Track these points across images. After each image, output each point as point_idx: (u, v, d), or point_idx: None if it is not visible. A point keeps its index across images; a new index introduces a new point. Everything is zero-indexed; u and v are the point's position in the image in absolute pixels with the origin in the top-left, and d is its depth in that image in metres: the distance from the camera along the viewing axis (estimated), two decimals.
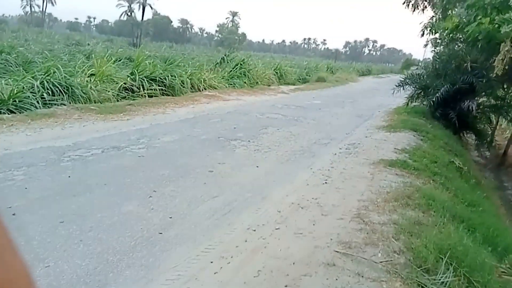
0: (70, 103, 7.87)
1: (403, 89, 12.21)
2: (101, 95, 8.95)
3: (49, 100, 7.57)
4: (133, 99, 9.59)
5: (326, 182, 4.79)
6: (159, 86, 10.69)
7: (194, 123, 7.88)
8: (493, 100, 11.45)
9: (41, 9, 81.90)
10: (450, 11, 10.47)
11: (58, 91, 7.86)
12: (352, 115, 11.04)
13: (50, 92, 7.71)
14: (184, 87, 11.61)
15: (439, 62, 11.97)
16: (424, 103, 12.28)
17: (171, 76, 11.22)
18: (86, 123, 6.80)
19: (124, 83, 9.98)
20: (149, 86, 10.37)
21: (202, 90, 12.49)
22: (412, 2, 11.22)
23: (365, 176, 5.08)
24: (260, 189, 4.41)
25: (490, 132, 11.70)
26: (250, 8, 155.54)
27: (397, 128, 8.71)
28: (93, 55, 12.90)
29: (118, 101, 9.21)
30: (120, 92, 9.66)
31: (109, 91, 9.23)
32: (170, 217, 3.50)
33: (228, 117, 8.83)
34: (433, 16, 11.56)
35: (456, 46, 11.99)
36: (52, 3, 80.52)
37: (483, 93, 10.98)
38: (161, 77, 10.94)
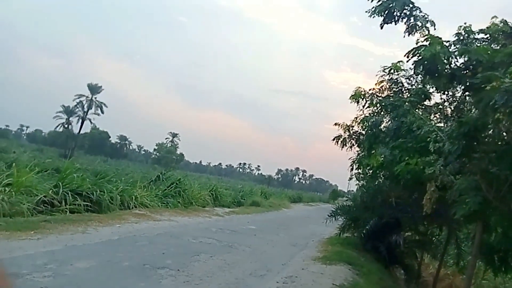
0: None
1: (335, 219, 12.52)
2: (14, 208, 7.92)
3: None
4: (51, 215, 8.57)
5: None
6: (84, 201, 9.81)
7: (118, 245, 7.08)
8: (417, 236, 11.98)
9: None
10: (374, 150, 11.51)
11: None
12: (287, 244, 10.81)
13: None
14: (112, 203, 10.81)
15: (366, 195, 12.67)
16: (355, 234, 12.55)
17: (100, 191, 10.47)
18: None
19: (44, 196, 9.04)
20: (73, 201, 9.48)
21: (132, 208, 11.71)
22: (341, 139, 12.26)
23: None
24: None
25: (417, 268, 11.93)
26: (190, 132, 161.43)
27: (333, 260, 8.56)
28: (15, 163, 11.88)
29: (32, 215, 8.18)
30: (38, 206, 8.65)
31: (24, 204, 8.23)
32: None
33: (157, 240, 8.13)
34: (359, 153, 12.62)
35: (378, 181, 12.90)
36: None
37: (408, 228, 11.53)
38: (88, 192, 10.14)
